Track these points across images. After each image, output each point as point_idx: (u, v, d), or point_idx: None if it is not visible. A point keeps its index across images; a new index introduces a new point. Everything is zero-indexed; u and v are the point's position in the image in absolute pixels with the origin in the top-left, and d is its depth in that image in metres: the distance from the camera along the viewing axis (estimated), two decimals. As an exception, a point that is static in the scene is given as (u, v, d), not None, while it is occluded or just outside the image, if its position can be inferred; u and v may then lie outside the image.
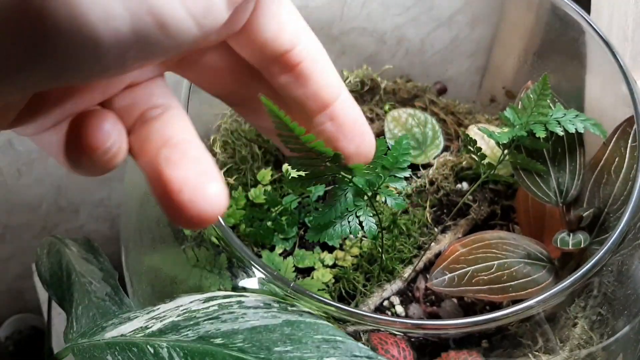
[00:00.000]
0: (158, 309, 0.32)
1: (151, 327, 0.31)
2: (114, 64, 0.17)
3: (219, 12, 0.19)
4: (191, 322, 0.30)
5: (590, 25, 0.40)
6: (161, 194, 0.21)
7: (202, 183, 0.21)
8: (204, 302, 0.30)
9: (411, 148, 0.37)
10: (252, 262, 0.32)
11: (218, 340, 0.28)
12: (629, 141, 0.40)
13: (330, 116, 0.26)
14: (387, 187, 0.36)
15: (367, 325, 0.32)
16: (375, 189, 0.36)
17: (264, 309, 0.29)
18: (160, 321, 0.31)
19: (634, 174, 0.36)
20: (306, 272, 0.49)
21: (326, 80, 0.25)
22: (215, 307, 0.30)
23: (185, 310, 0.31)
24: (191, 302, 0.31)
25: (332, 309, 0.31)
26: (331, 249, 0.50)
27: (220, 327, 0.29)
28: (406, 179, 0.53)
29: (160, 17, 0.17)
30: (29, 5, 0.15)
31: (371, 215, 0.35)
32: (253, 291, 0.36)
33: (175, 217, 0.21)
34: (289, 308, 0.30)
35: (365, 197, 0.36)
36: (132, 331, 0.32)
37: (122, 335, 0.32)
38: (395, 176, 0.36)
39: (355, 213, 0.35)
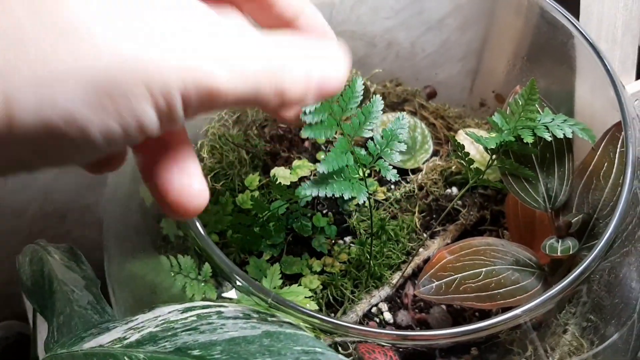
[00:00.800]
0: (136, 319, 0.31)
1: (129, 337, 0.30)
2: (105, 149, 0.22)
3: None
4: (169, 333, 0.29)
5: (578, 29, 0.40)
6: (152, 192, 0.26)
7: (186, 185, 0.25)
8: (182, 313, 0.30)
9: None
10: (234, 273, 0.32)
11: (195, 352, 0.28)
12: (618, 146, 0.40)
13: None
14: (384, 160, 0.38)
15: (354, 337, 0.32)
16: (375, 158, 0.37)
17: (243, 320, 0.29)
18: (138, 332, 0.30)
19: (623, 180, 0.36)
20: (294, 278, 0.48)
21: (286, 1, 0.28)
22: (194, 318, 0.29)
23: (163, 321, 0.30)
24: (170, 312, 0.30)
25: (316, 320, 0.30)
26: (319, 255, 0.49)
27: (198, 338, 0.28)
28: (395, 183, 0.53)
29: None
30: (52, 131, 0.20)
31: (365, 190, 0.36)
32: (235, 301, 0.36)
33: (165, 210, 0.26)
34: (269, 318, 0.29)
35: (362, 171, 0.37)
36: (110, 342, 0.31)
37: (100, 345, 0.32)
38: (391, 149, 0.37)
39: (352, 183, 0.36)
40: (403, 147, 0.38)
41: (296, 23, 0.28)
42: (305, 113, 0.35)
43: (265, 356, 0.27)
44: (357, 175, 0.37)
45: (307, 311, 0.31)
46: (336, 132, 0.36)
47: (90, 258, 0.44)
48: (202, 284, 0.40)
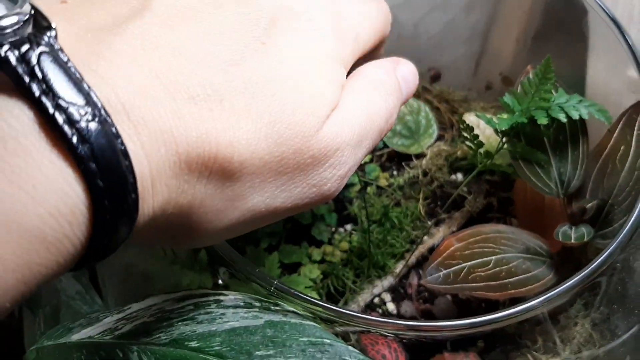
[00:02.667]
0: (129, 308, 0.29)
1: (121, 328, 0.28)
2: None
3: None
4: (164, 324, 0.27)
5: (597, 2, 0.38)
6: None
7: None
8: (178, 301, 0.28)
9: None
10: (234, 262, 0.30)
11: (193, 344, 0.26)
12: (635, 129, 0.38)
13: None
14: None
15: (357, 327, 0.30)
16: None
17: (244, 309, 0.27)
18: (131, 322, 0.28)
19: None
20: (293, 268, 0.46)
21: None
22: (191, 307, 0.27)
23: (158, 310, 0.28)
24: (164, 301, 0.28)
25: (319, 309, 0.28)
26: (319, 244, 0.47)
27: (195, 328, 0.26)
28: (398, 169, 0.51)
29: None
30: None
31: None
32: (234, 288, 0.34)
33: None
34: (272, 308, 0.27)
35: None
36: (100, 333, 0.29)
37: (89, 337, 0.30)
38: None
39: None
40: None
41: None
42: None
43: (269, 347, 0.25)
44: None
45: (311, 299, 0.29)
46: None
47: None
48: (198, 272, 0.38)
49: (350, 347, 0.25)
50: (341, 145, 0.25)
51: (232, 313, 0.27)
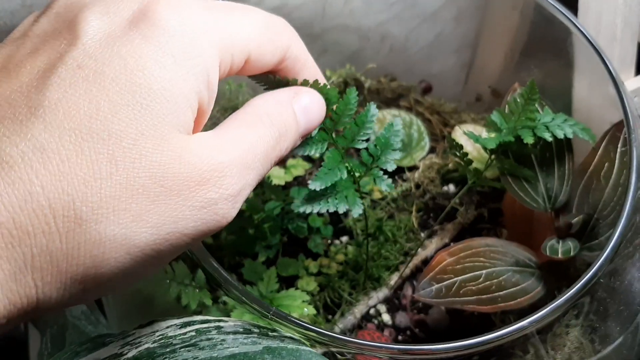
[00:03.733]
0: (133, 333, 0.30)
1: (126, 353, 0.30)
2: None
3: None
4: (167, 350, 0.28)
5: (577, 26, 0.39)
6: None
7: None
8: (180, 327, 0.29)
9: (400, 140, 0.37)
10: (231, 287, 0.31)
11: (196, 370, 0.27)
12: (619, 146, 0.39)
13: None
14: (379, 168, 0.37)
15: (352, 351, 0.31)
16: (370, 167, 0.37)
17: (243, 335, 0.28)
18: (136, 347, 0.29)
19: (624, 181, 0.35)
20: (290, 280, 0.48)
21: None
22: (193, 333, 0.29)
23: (161, 336, 0.29)
24: (168, 327, 0.29)
25: (314, 334, 0.30)
26: (315, 256, 0.48)
27: (197, 354, 0.28)
28: (392, 179, 0.52)
29: None
30: None
31: (359, 197, 0.36)
32: (230, 306, 0.35)
33: None
34: (270, 333, 0.28)
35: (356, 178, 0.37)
36: (106, 357, 0.30)
37: (96, 361, 0.31)
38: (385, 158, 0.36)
39: (344, 194, 0.35)
40: (397, 156, 0.37)
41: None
42: None
43: (268, 374, 0.26)
44: (352, 187, 0.36)
45: (305, 324, 0.30)
46: (328, 146, 0.35)
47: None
48: (197, 290, 0.39)
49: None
50: (223, 165, 0.25)
51: (232, 339, 0.28)
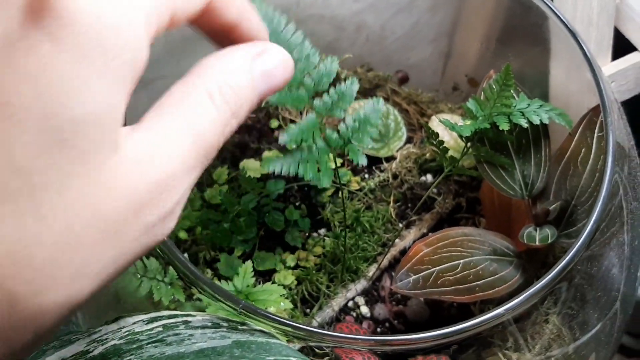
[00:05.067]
0: (100, 330, 0.29)
1: (92, 351, 0.29)
2: None
3: None
4: (134, 346, 0.27)
5: (553, 10, 0.39)
6: None
7: None
8: (147, 323, 0.28)
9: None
10: (199, 281, 0.30)
11: (163, 366, 0.26)
12: (595, 131, 0.39)
13: None
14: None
15: (330, 344, 0.30)
16: (346, 141, 0.36)
17: (212, 329, 0.27)
18: (102, 345, 0.29)
19: (602, 166, 0.35)
20: (267, 274, 0.47)
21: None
22: (160, 329, 0.28)
23: (128, 332, 0.28)
24: (134, 322, 0.28)
25: (289, 329, 0.29)
26: (293, 250, 0.48)
27: (165, 350, 0.27)
28: (369, 173, 0.51)
29: None
30: None
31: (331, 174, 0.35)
32: (193, 304, 0.34)
33: None
34: (240, 327, 0.27)
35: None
36: (72, 355, 0.29)
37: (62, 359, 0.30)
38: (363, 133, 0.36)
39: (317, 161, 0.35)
40: (375, 132, 0.36)
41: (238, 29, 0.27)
42: None
43: (237, 368, 0.25)
44: (327, 160, 0.35)
45: (279, 319, 0.29)
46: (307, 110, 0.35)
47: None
48: (169, 286, 0.38)
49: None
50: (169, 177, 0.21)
51: (200, 334, 0.27)
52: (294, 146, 0.35)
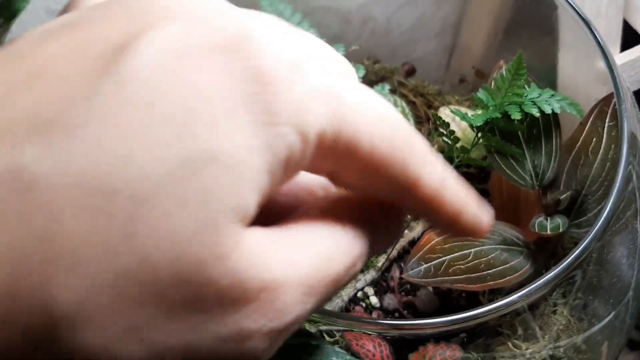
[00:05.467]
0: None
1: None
2: None
3: None
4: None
5: (565, 0, 0.39)
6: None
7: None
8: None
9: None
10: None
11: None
12: (606, 121, 0.39)
13: None
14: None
15: (341, 327, 0.30)
16: None
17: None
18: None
19: (612, 156, 0.35)
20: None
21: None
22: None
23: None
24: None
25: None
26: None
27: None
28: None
29: None
30: None
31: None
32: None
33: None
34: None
35: None
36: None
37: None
38: None
39: None
40: None
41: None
42: None
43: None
44: None
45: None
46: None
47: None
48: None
49: (337, 348, 0.26)
50: (278, 284, 0.16)
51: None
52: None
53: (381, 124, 0.17)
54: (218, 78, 0.15)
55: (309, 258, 0.17)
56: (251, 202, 0.15)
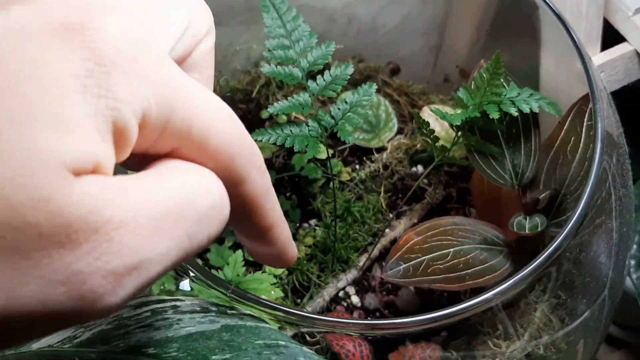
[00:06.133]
0: (87, 316, 0.29)
1: (79, 336, 0.28)
2: None
3: None
4: (122, 331, 0.27)
5: (544, 1, 0.39)
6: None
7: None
8: (135, 308, 0.28)
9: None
10: (189, 266, 0.30)
11: (150, 350, 0.26)
12: (585, 120, 0.39)
13: None
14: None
15: (321, 329, 0.30)
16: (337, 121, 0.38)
17: (201, 314, 0.27)
18: (89, 330, 0.28)
19: (591, 155, 0.35)
20: (258, 264, 0.47)
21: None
22: (148, 314, 0.28)
23: (115, 318, 0.28)
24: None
25: (280, 313, 0.29)
26: (283, 240, 0.48)
27: (153, 335, 0.27)
28: (360, 163, 0.51)
29: None
30: None
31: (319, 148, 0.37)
32: (195, 292, 0.34)
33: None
34: (229, 312, 0.27)
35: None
36: (60, 341, 0.29)
37: (49, 345, 0.30)
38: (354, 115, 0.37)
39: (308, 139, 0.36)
40: (365, 114, 0.38)
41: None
42: (269, 50, 0.37)
43: (225, 352, 0.25)
44: (317, 137, 0.36)
45: (271, 303, 0.29)
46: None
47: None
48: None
49: (306, 348, 0.26)
50: (115, 225, 0.16)
51: (189, 318, 0.27)
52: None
53: (214, 118, 0.20)
54: (55, 55, 0.17)
55: (162, 200, 0.17)
56: (81, 156, 0.16)
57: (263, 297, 0.41)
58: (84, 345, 0.28)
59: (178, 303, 0.28)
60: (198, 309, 0.28)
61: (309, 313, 0.33)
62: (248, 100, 0.53)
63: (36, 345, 0.30)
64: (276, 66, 0.37)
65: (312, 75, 0.38)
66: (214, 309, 0.28)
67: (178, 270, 0.32)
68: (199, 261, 0.46)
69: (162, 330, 0.27)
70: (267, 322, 0.28)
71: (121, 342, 0.27)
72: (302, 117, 0.52)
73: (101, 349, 0.27)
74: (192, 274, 0.31)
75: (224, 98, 0.53)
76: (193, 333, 0.26)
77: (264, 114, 0.53)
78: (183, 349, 0.26)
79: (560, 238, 0.31)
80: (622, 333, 0.60)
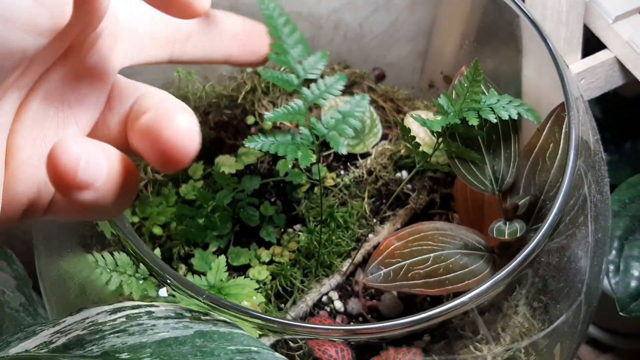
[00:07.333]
0: (64, 321, 0.30)
1: (55, 342, 0.29)
2: None
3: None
4: (97, 336, 0.28)
5: (522, 9, 0.39)
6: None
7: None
8: (110, 314, 0.28)
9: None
10: (164, 272, 0.30)
11: (124, 355, 0.26)
12: (563, 127, 0.39)
13: None
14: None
15: (304, 336, 0.31)
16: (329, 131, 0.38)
17: (175, 319, 0.27)
18: (65, 335, 0.29)
19: (566, 161, 0.35)
20: (242, 269, 0.47)
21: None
22: (123, 319, 0.28)
23: (91, 323, 0.28)
24: (98, 313, 0.29)
25: (260, 321, 0.29)
26: (268, 245, 0.48)
27: (127, 340, 0.27)
28: (344, 169, 0.52)
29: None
30: None
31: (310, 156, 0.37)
32: (172, 299, 0.34)
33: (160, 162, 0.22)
34: (203, 317, 0.28)
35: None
36: (36, 346, 0.30)
37: (26, 350, 0.30)
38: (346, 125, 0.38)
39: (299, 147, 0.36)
40: (358, 125, 0.38)
41: None
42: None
43: (197, 357, 0.26)
44: (308, 145, 0.37)
45: (250, 312, 0.29)
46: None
47: (24, 259, 0.42)
48: (141, 281, 0.38)
49: (277, 354, 0.26)
50: None
51: (163, 324, 0.27)
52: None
53: None
54: None
55: None
56: None
57: (245, 304, 0.41)
58: (60, 351, 0.28)
59: (152, 309, 0.28)
60: (172, 314, 0.28)
61: (290, 320, 0.33)
62: (234, 106, 0.53)
63: (14, 350, 0.31)
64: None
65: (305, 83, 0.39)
66: (188, 314, 0.28)
67: (157, 277, 0.33)
68: (184, 266, 0.47)
69: (136, 335, 0.27)
70: (241, 328, 0.28)
71: (95, 347, 0.27)
72: (289, 124, 0.52)
73: (75, 354, 0.27)
74: (168, 280, 0.31)
75: (210, 104, 0.54)
76: (167, 338, 0.26)
77: (249, 120, 0.53)
78: (156, 354, 0.26)
79: (534, 242, 0.32)
80: (607, 337, 0.60)
